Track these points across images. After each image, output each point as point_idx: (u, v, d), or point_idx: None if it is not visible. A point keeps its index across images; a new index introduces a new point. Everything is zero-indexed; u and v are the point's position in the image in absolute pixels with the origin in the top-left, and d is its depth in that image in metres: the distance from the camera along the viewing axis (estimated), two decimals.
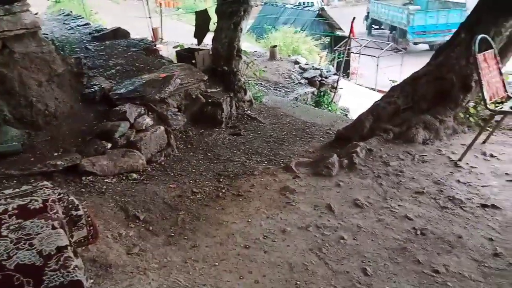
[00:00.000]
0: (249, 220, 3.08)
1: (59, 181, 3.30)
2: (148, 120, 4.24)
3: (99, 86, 4.46)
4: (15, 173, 3.18)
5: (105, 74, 5.06)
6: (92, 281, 2.19)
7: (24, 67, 3.83)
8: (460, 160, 3.96)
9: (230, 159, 4.25)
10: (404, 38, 22.78)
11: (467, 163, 3.90)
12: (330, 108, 8.68)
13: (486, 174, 3.70)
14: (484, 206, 3.19)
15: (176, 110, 4.96)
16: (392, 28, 24.96)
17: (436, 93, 4.64)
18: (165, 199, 3.27)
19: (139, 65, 5.58)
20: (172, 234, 2.89)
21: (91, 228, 1.89)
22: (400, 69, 15.75)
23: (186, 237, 2.87)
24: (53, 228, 1.57)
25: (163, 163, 4.04)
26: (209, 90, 5.48)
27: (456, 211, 3.14)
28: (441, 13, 22.28)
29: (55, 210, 1.58)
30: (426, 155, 4.09)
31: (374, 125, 4.67)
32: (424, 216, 3.09)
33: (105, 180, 3.47)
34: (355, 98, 11.61)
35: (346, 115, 9.89)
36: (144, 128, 4.15)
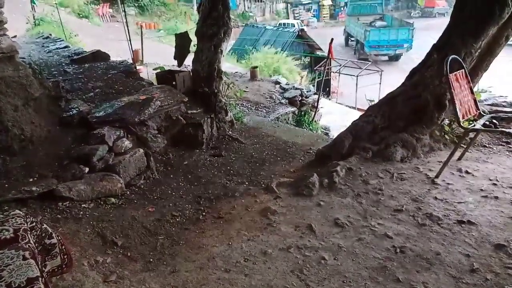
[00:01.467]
0: (230, 242, 3.05)
1: (34, 207, 3.21)
2: (127, 143, 4.20)
3: (77, 109, 4.41)
4: None
5: (84, 97, 5.02)
6: None
7: (0, 92, 3.77)
8: (437, 177, 4.04)
9: (211, 181, 4.23)
10: (362, 51, 26.77)
11: (444, 180, 3.99)
12: (311, 127, 8.78)
13: (462, 190, 3.78)
14: (460, 222, 3.26)
15: (156, 132, 4.94)
16: (357, 42, 28.46)
17: (412, 111, 4.76)
18: (144, 224, 3.21)
19: (119, 87, 5.56)
20: (151, 260, 2.84)
21: (65, 256, 1.83)
22: (380, 87, 16.14)
23: (165, 263, 2.82)
24: (24, 258, 1.52)
25: (142, 187, 3.98)
26: (189, 112, 5.48)
27: (434, 228, 3.19)
28: (392, 31, 26.08)
29: (26, 240, 1.53)
30: (404, 173, 4.17)
31: (353, 143, 4.74)
32: (403, 234, 3.12)
33: (83, 205, 3.40)
34: (335, 116, 11.81)
35: (327, 133, 10.02)
36: (123, 151, 4.10)
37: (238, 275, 2.69)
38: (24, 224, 1.62)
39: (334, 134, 10.42)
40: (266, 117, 7.66)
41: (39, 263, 1.48)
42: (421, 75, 4.71)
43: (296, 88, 9.24)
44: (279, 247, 2.98)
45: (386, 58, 26.23)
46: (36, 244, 1.62)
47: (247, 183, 4.26)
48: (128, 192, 3.82)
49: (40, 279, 1.36)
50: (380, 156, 4.52)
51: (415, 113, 4.75)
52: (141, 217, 3.30)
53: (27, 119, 3.92)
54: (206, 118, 5.54)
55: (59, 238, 1.82)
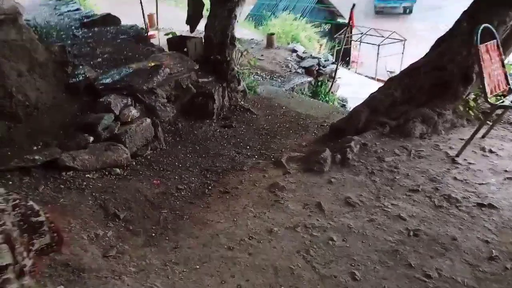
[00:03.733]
0: (235, 219, 2.94)
1: (37, 176, 3.15)
2: (134, 112, 4.07)
3: (84, 75, 4.27)
4: None
5: (92, 63, 4.87)
6: (62, 287, 2.06)
7: (3, 56, 3.65)
8: (457, 155, 3.81)
9: (220, 153, 4.10)
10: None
11: (465, 159, 3.76)
12: (327, 98, 8.48)
13: (484, 171, 3.55)
14: (480, 205, 3.06)
15: (165, 101, 4.78)
16: None
17: (435, 84, 4.46)
18: (147, 197, 3.13)
19: (128, 53, 5.38)
20: (153, 234, 2.76)
21: (55, 234, 1.74)
22: (401, 58, 15.48)
23: (167, 238, 2.74)
24: None
25: (149, 157, 3.89)
26: (200, 80, 5.29)
27: (452, 210, 3.00)
28: None
29: (1, 222, 1.43)
30: (422, 150, 3.94)
31: (370, 117, 4.51)
32: (417, 216, 2.95)
33: (86, 175, 3.32)
34: (354, 87, 11.40)
35: (343, 105, 9.70)
36: (129, 120, 3.98)
37: (242, 253, 2.59)
38: (2, 204, 1.52)
39: (351, 106, 10.08)
40: (280, 87, 7.40)
41: (19, 245, 1.38)
42: (448, 45, 4.37)
43: (314, 57, 8.88)
44: (285, 226, 2.86)
45: (401, 10, 26.81)
46: (22, 223, 1.52)
47: (256, 156, 4.11)
48: (134, 163, 3.72)
49: (11, 267, 1.25)
50: (398, 131, 4.29)
51: (438, 86, 4.45)
52: (145, 189, 3.21)
53: (32, 85, 3.81)
54: (217, 88, 5.34)
55: (47, 216, 1.72)
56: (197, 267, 2.46)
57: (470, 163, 3.68)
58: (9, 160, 3.12)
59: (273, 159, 3.99)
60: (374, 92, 4.71)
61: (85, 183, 3.21)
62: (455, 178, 3.43)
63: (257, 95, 6.22)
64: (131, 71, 4.55)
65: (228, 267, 2.48)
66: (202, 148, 4.24)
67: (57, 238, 1.77)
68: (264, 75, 7.83)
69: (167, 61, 4.90)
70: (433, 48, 4.60)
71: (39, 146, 3.44)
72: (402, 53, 16.44)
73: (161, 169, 3.67)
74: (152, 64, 4.67)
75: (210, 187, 3.35)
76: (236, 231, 2.80)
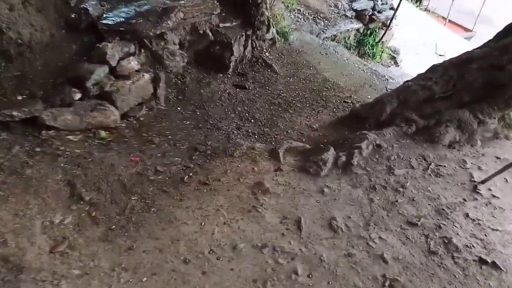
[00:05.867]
0: (204, 222, 2.74)
1: (16, 132, 3.03)
2: (133, 64, 3.73)
3: (87, 11, 3.86)
4: None
5: None
6: None
7: None
8: (483, 182, 3.28)
9: (218, 125, 3.76)
10: None
11: (490, 189, 3.24)
12: (374, 50, 7.53)
13: (507, 211, 3.07)
14: (482, 262, 2.66)
15: (177, 47, 4.36)
16: None
17: (486, 84, 3.73)
18: (121, 177, 2.94)
19: None
20: (113, 227, 2.63)
21: None
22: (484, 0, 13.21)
23: (126, 234, 2.60)
24: None
25: (141, 119, 3.64)
26: (221, 25, 4.73)
27: (445, 262, 2.63)
28: None
29: None
30: (444, 166, 3.43)
31: (397, 110, 3.91)
32: (403, 260, 2.62)
33: (68, 137, 3.16)
34: (413, 31, 10.00)
35: (394, 57, 8.66)
36: (127, 73, 3.67)
37: (196, 270, 2.43)
38: None
39: (402, 59, 9.01)
40: (321, 33, 6.57)
41: None
42: None
43: None
44: (253, 243, 2.63)
45: None
46: None
47: (256, 136, 3.75)
48: (124, 125, 3.50)
49: None
50: (424, 133, 3.73)
51: (489, 87, 3.72)
52: (121, 167, 3.01)
53: (26, 21, 3.49)
54: (239, 36, 4.78)
55: None
56: (145, 279, 2.35)
57: (493, 196, 3.18)
58: None
59: (272, 143, 3.63)
60: (409, 81, 4.02)
61: (62, 147, 3.05)
62: (467, 216, 2.98)
63: (288, 44, 5.56)
64: (141, 10, 4.07)
65: (175, 285, 2.34)
66: (203, 113, 3.91)
67: None
68: (306, 15, 6.94)
69: (184, 1, 4.33)
70: (495, 38, 3.73)
71: (24, 96, 3.26)
72: None
73: (148, 138, 3.42)
74: (166, 6, 4.14)
75: (191, 174, 3.09)
76: (199, 240, 2.61)
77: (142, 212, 2.77)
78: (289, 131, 3.87)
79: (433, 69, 3.88)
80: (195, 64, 4.53)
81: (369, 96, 4.70)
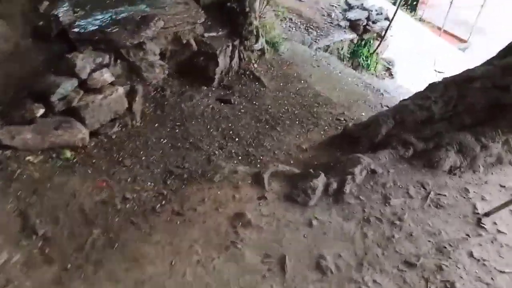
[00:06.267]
0: (174, 261, 2.41)
1: None
2: (107, 76, 3.39)
3: (57, 17, 3.53)
4: None
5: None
6: None
7: None
8: (487, 215, 2.98)
9: (198, 145, 3.43)
10: None
11: (495, 223, 2.95)
12: (368, 61, 7.27)
13: None
14: None
15: (158, 58, 4.03)
16: None
17: (489, 106, 3.46)
18: (83, 206, 2.60)
19: None
20: (69, 266, 2.29)
21: None
22: (480, 10, 13.05)
23: (83, 275, 2.26)
24: None
25: (113, 137, 3.30)
26: (206, 35, 4.42)
27: None
28: None
29: None
30: (445, 195, 3.13)
31: (393, 131, 3.61)
32: None
33: (27, 157, 2.82)
34: (408, 40, 9.77)
35: (388, 69, 8.41)
36: (99, 87, 3.33)
37: None
38: None
39: (397, 70, 8.76)
40: (313, 44, 6.28)
41: None
42: None
43: (364, 9, 7.45)
44: None
45: None
46: None
47: (240, 157, 3.42)
48: (92, 144, 3.16)
49: None
50: (422, 158, 3.43)
51: (492, 108, 3.45)
52: (84, 193, 2.67)
53: None
54: (225, 46, 4.47)
55: None
56: None
57: (499, 231, 2.89)
58: None
59: (257, 166, 3.31)
60: (406, 99, 3.73)
61: (19, 170, 2.71)
62: (471, 255, 2.69)
63: (278, 55, 5.26)
64: (118, 18, 3.75)
65: None
66: (183, 131, 3.57)
67: None
68: (298, 24, 6.66)
69: (167, 9, 4.02)
70: (498, 56, 3.47)
71: None
72: (482, 5, 13.93)
73: (119, 159, 3.08)
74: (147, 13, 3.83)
75: (163, 202, 2.76)
76: (167, 283, 2.28)
77: (104, 248, 2.43)
78: (276, 152, 3.55)
79: (432, 87, 3.60)
80: (177, 76, 4.21)
81: (363, 114, 4.41)
